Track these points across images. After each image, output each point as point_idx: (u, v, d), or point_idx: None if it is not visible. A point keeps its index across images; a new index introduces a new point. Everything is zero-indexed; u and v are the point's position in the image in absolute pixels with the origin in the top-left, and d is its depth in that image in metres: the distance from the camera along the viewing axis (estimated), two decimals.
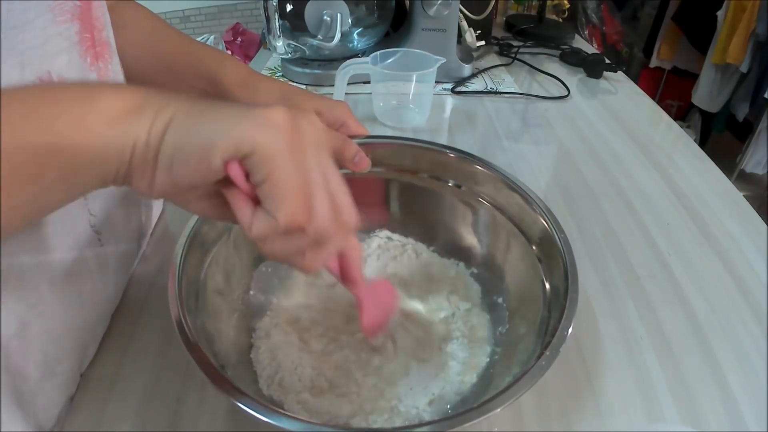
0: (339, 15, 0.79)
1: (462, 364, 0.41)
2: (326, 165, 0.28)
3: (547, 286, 0.39)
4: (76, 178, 0.25)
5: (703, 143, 1.88)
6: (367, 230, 0.50)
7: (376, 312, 0.38)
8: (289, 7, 0.83)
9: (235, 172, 0.26)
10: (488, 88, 0.90)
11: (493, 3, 0.97)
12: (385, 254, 0.50)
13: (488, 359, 0.41)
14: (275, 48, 0.80)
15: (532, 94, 0.88)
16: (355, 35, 0.87)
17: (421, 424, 0.30)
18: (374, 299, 0.37)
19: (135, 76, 0.45)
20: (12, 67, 0.29)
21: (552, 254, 0.39)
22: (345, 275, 0.35)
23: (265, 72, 0.95)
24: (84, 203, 0.37)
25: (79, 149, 0.24)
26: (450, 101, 0.87)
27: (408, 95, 0.78)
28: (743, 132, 1.73)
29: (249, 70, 0.47)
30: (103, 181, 0.26)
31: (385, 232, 0.51)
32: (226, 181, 0.27)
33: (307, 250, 0.28)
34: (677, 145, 0.77)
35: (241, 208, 0.27)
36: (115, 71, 0.41)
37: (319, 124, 0.29)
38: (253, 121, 0.25)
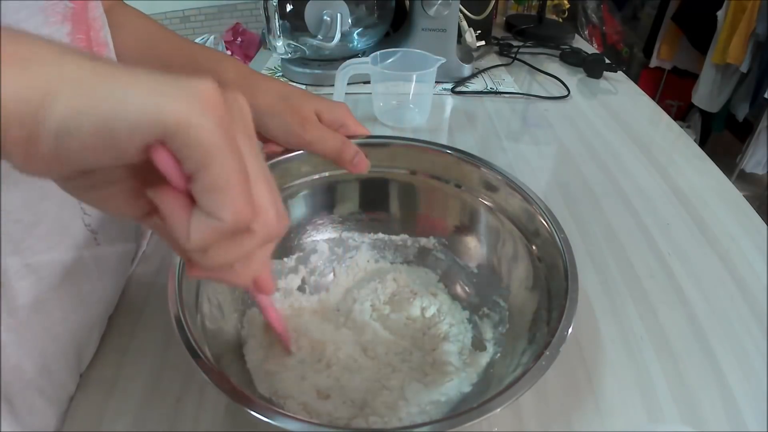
0: (339, 15, 0.79)
1: (462, 364, 0.41)
2: (258, 154, 0.23)
3: (547, 286, 0.39)
4: None
5: (703, 143, 1.88)
6: (365, 231, 0.50)
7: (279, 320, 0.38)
8: (289, 7, 0.83)
9: (165, 161, 0.19)
10: (488, 88, 0.90)
11: (493, 3, 0.97)
12: (382, 255, 0.50)
13: (488, 359, 0.41)
14: (275, 48, 0.80)
15: (532, 94, 0.88)
16: (355, 35, 0.87)
17: (421, 424, 0.30)
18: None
19: None
20: None
21: (552, 254, 0.39)
22: (261, 284, 0.30)
23: (265, 72, 0.95)
24: (77, 201, 0.37)
25: None
26: (450, 101, 0.87)
27: (408, 95, 0.78)
28: (743, 132, 1.73)
29: (248, 70, 0.47)
30: None
31: (384, 233, 0.51)
32: (146, 176, 0.21)
33: (241, 258, 0.23)
34: (677, 145, 0.77)
35: (174, 209, 0.21)
36: None
37: (247, 106, 0.24)
38: (179, 91, 0.19)
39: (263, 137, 0.47)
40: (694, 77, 1.80)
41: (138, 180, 0.22)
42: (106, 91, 0.19)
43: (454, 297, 0.47)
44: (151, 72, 0.20)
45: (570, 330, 0.32)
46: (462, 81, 0.91)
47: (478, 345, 0.43)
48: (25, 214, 0.31)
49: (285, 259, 0.47)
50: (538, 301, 0.39)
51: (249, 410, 0.27)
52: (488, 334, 0.43)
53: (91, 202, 0.23)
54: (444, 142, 0.65)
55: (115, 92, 0.19)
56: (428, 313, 0.45)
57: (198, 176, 0.20)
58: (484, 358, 0.41)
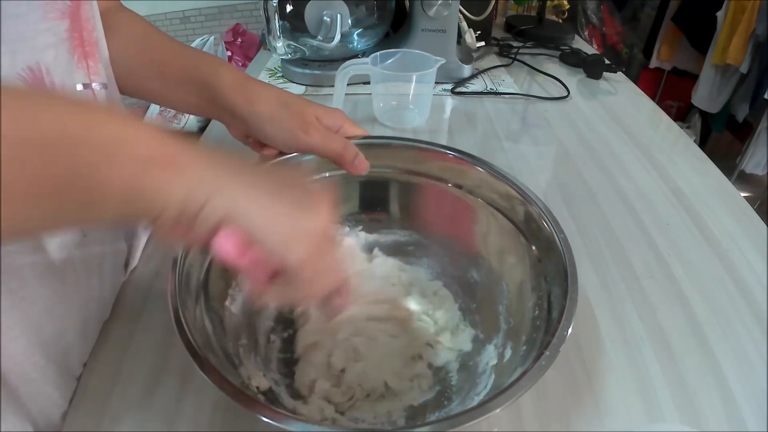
0: (339, 16, 0.79)
1: (458, 364, 0.41)
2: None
3: (547, 286, 0.39)
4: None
5: (703, 144, 1.88)
6: (365, 231, 0.50)
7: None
8: (289, 8, 0.83)
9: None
10: (488, 88, 0.90)
11: (493, 3, 0.97)
12: (381, 256, 0.50)
13: (487, 360, 0.41)
14: (275, 49, 0.80)
15: (532, 94, 0.88)
16: (355, 36, 0.87)
17: (421, 424, 0.30)
18: None
19: (127, 81, 0.45)
20: (4, 54, 0.30)
21: (552, 254, 0.39)
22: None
23: (264, 73, 0.95)
24: None
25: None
26: (450, 102, 0.87)
27: (408, 96, 0.78)
28: (743, 132, 1.73)
29: (244, 76, 0.47)
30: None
31: (383, 234, 0.51)
32: None
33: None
34: (677, 145, 0.77)
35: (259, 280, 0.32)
36: (103, 71, 0.41)
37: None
38: (299, 245, 0.29)
39: (261, 143, 0.47)
40: (694, 78, 1.80)
41: None
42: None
43: (452, 296, 0.47)
44: (289, 202, 0.28)
45: (570, 330, 0.32)
46: (462, 82, 0.91)
47: (475, 345, 0.43)
48: None
49: None
50: (538, 302, 0.39)
51: (249, 410, 0.27)
52: (487, 334, 0.43)
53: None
54: (444, 142, 0.65)
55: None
56: (427, 314, 0.45)
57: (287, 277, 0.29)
58: (482, 359, 0.41)
